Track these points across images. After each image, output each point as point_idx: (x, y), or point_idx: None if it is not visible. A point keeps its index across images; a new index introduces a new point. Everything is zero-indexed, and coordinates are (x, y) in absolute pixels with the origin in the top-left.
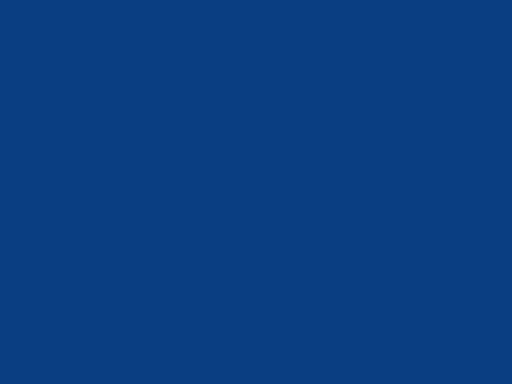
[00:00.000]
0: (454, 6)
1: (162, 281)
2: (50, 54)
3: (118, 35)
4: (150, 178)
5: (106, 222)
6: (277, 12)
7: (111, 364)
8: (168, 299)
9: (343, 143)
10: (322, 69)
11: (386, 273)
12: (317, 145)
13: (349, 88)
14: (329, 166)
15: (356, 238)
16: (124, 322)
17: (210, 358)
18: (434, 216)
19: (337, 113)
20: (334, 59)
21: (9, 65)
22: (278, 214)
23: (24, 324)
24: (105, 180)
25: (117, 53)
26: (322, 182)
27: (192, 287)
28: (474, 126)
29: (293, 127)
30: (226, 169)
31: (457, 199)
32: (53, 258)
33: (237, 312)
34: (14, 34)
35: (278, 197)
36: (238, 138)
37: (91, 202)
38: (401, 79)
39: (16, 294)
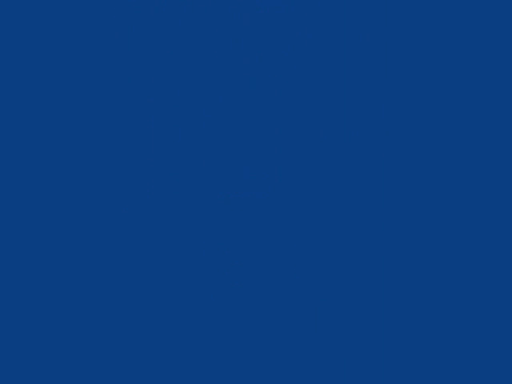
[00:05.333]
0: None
1: (162, 281)
2: (49, 53)
3: (118, 35)
4: (149, 177)
5: (106, 223)
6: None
7: (111, 364)
8: (168, 299)
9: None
10: (322, 69)
11: (385, 273)
12: (316, 144)
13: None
14: (328, 166)
15: (356, 238)
16: (124, 321)
17: (209, 358)
18: (435, 216)
19: (336, 112)
20: (333, 59)
21: (9, 65)
22: (276, 214)
23: (24, 324)
24: (105, 180)
25: (116, 53)
26: (322, 182)
27: (192, 287)
28: (473, 126)
29: (292, 127)
30: (225, 168)
31: (457, 199)
32: (53, 257)
33: (237, 312)
34: (13, 33)
35: (278, 196)
36: (237, 138)
37: (91, 202)
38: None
39: (16, 294)
